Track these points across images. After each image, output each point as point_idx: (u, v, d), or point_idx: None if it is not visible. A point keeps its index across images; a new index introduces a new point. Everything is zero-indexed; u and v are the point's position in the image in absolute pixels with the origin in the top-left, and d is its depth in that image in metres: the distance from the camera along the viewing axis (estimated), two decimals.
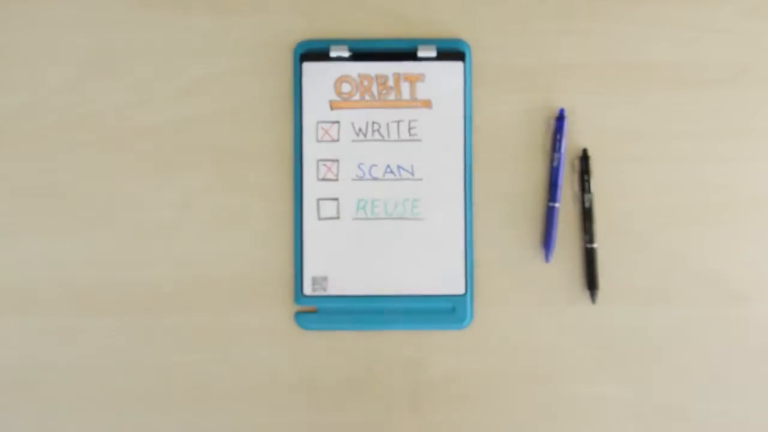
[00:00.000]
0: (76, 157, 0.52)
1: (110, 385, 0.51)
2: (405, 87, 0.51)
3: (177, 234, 0.52)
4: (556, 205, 0.51)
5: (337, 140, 0.52)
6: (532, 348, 0.52)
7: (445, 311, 0.51)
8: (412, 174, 0.51)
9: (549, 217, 0.52)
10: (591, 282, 0.51)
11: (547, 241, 0.51)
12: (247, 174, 0.52)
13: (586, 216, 0.51)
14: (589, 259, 0.51)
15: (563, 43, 0.52)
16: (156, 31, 0.52)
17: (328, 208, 0.51)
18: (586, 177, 0.52)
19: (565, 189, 0.52)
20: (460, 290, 0.51)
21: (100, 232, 0.52)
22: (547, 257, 0.51)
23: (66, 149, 0.52)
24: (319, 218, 0.51)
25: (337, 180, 0.51)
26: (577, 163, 0.52)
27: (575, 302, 0.52)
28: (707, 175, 0.52)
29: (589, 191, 0.52)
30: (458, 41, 0.52)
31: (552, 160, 0.51)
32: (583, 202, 0.51)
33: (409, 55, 0.51)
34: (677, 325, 0.51)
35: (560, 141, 0.51)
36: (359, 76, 0.51)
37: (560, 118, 0.52)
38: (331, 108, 0.52)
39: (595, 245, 0.51)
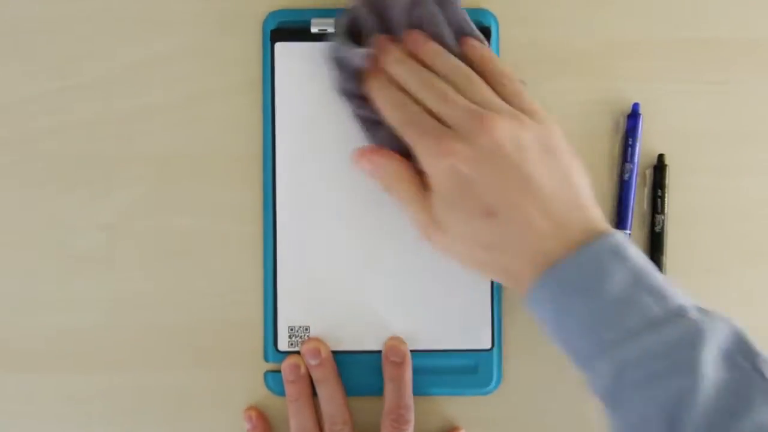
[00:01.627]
0: None
1: None
2: None
3: (109, 268, 0.48)
4: (627, 232, 0.48)
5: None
6: (579, 419, 0.48)
7: (465, 371, 0.47)
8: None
9: None
10: None
11: None
12: (201, 188, 0.49)
13: (655, 244, 0.48)
14: None
15: (622, 13, 0.49)
16: (78, 2, 0.49)
17: (311, 236, 0.47)
18: (660, 192, 0.48)
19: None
20: (486, 344, 0.47)
21: (7, 267, 0.49)
22: None
23: None
24: (299, 246, 0.47)
25: (320, 197, 0.47)
26: (648, 174, 0.48)
27: None
28: None
29: (662, 211, 0.48)
30: (482, 11, 0.48)
31: (621, 172, 0.48)
32: (653, 225, 0.48)
33: None
34: None
35: (633, 147, 0.48)
36: None
37: (633, 116, 0.48)
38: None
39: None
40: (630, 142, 0.47)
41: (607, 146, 0.49)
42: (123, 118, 0.48)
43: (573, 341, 0.38)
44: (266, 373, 0.47)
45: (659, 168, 0.48)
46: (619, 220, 0.48)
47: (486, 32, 0.46)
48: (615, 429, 0.37)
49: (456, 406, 0.48)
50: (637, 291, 0.36)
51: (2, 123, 0.48)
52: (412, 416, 0.45)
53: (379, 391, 0.46)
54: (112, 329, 0.48)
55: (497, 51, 0.47)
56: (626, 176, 0.48)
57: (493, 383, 0.47)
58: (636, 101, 0.48)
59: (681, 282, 0.47)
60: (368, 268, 0.47)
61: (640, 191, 0.48)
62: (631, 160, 0.47)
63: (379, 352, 0.46)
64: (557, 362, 0.47)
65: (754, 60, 0.49)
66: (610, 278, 0.36)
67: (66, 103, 0.48)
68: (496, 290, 0.47)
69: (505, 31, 0.48)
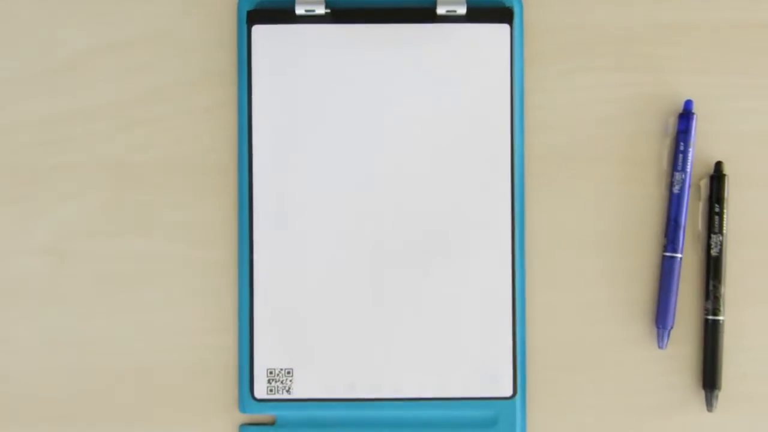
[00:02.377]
0: None
1: None
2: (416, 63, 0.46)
3: (51, 300, 0.46)
4: (678, 256, 0.45)
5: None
6: None
7: (483, 424, 0.45)
8: (430, 208, 0.46)
9: (665, 275, 0.46)
10: (710, 377, 0.46)
11: (662, 313, 0.46)
12: (163, 204, 0.46)
13: (712, 270, 0.45)
14: (712, 339, 0.46)
15: None
16: None
17: (294, 258, 0.45)
18: (717, 208, 0.45)
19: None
20: (507, 391, 0.45)
21: None
22: (661, 340, 0.46)
23: None
24: (280, 273, 0.45)
25: (307, 212, 0.45)
26: (704, 186, 0.47)
27: (685, 407, 0.47)
28: None
29: (720, 231, 0.45)
30: None
31: (670, 184, 0.46)
32: (708, 247, 0.45)
33: (424, 13, 0.45)
34: None
35: (685, 153, 0.46)
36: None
37: (684, 117, 0.46)
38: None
39: (720, 318, 0.45)
40: (681, 148, 0.45)
41: (654, 152, 0.46)
42: (67, 119, 0.46)
43: None
44: (241, 427, 0.44)
45: (717, 178, 0.45)
46: (668, 242, 0.45)
47: (507, 16, 0.44)
48: None
49: None
50: None
51: None
52: None
53: None
54: (54, 375, 0.45)
55: (520, 37, 0.45)
56: (676, 188, 0.45)
57: None
58: (688, 98, 0.46)
59: (742, 314, 0.47)
60: (365, 300, 0.45)
61: (694, 206, 0.46)
62: (683, 169, 0.45)
63: (377, 400, 0.44)
64: (590, 413, 0.46)
65: None
66: None
67: (1, 100, 0.46)
68: (519, 327, 0.44)
69: (530, 15, 0.46)
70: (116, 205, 0.46)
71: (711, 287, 0.44)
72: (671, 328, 0.46)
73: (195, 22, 0.46)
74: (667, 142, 0.46)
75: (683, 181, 0.45)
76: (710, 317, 0.45)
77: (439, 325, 0.45)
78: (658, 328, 0.46)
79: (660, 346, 0.46)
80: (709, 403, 0.45)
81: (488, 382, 0.45)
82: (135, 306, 0.45)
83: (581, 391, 0.46)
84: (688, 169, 0.45)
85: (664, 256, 0.46)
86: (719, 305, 0.44)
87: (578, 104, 0.46)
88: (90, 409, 0.45)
